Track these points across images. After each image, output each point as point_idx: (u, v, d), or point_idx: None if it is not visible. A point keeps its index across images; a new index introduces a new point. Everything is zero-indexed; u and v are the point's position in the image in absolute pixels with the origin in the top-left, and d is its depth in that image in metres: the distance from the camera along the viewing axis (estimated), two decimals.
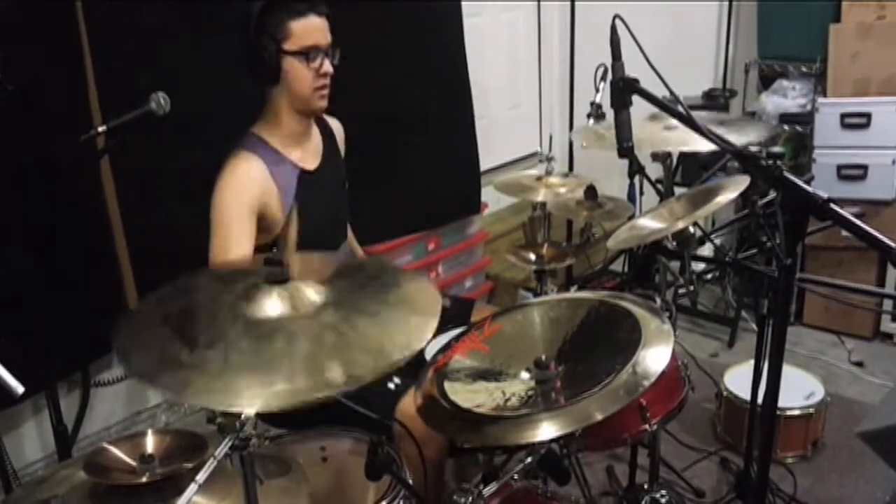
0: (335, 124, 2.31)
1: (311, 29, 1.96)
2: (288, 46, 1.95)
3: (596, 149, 2.44)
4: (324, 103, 2.08)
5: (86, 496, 1.32)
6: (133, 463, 1.33)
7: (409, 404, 1.86)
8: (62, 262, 2.47)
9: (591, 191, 2.51)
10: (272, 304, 1.27)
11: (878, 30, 3.38)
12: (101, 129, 2.02)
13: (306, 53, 1.96)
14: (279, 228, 2.00)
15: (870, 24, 3.40)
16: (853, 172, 3.47)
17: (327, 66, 2.01)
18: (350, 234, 2.45)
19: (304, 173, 2.10)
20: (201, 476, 1.13)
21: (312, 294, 1.31)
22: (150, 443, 1.38)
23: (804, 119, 3.72)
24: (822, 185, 1.23)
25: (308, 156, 2.15)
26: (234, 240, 1.90)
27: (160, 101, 2.04)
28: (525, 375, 1.61)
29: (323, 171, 2.17)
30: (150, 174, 2.66)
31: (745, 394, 2.50)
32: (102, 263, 2.69)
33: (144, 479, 1.29)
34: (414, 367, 1.98)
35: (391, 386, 1.97)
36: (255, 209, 1.95)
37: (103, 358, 2.85)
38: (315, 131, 2.19)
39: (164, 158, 2.64)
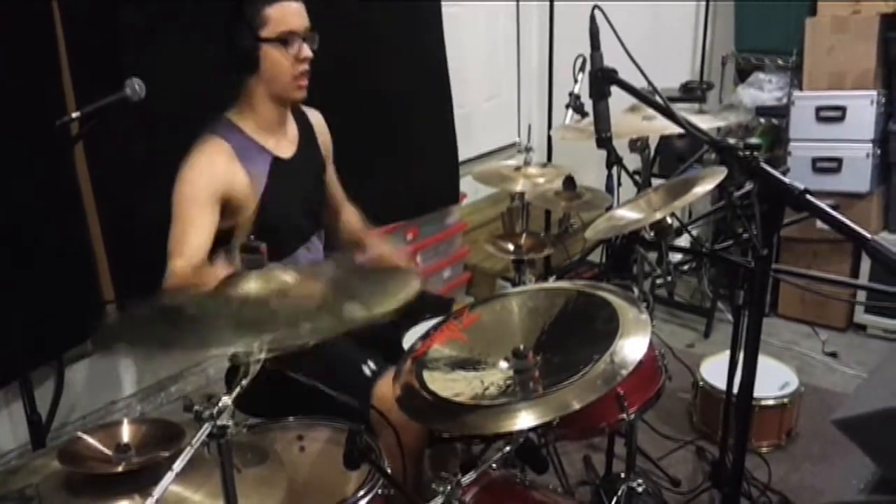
0: (315, 117, 2.29)
1: (287, 13, 1.95)
2: (265, 34, 1.94)
3: (574, 140, 2.44)
4: (302, 93, 2.06)
5: (61, 486, 1.30)
6: (109, 452, 1.32)
7: (386, 389, 1.86)
8: (36, 251, 2.44)
9: (569, 181, 2.51)
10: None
11: (853, 24, 3.41)
12: (74, 115, 2.00)
13: (284, 40, 1.95)
14: (249, 214, 1.99)
15: (845, 18, 3.43)
16: (828, 165, 3.51)
17: (306, 51, 1.99)
18: (352, 218, 2.44)
19: (277, 160, 2.08)
20: (178, 465, 1.13)
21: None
22: (126, 432, 1.37)
23: (780, 112, 3.75)
24: (797, 178, 1.24)
25: (283, 143, 2.13)
26: (192, 227, 1.88)
27: (135, 87, 2.02)
28: (503, 365, 1.61)
29: (297, 160, 2.15)
30: (125, 162, 2.63)
31: (721, 384, 2.52)
32: (77, 252, 2.65)
33: (120, 469, 1.27)
34: (389, 351, 2.00)
35: (366, 371, 1.96)
36: (218, 195, 1.93)
37: (78, 347, 2.83)
38: (291, 120, 2.18)
39: (139, 146, 2.61)
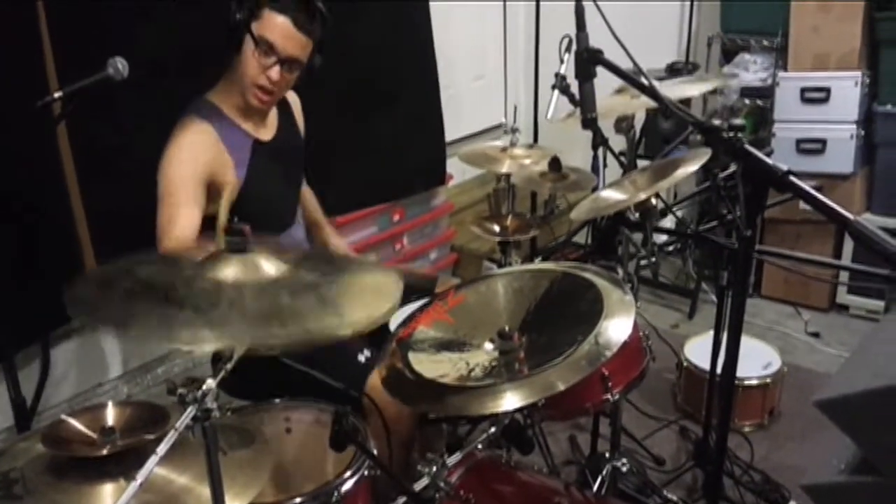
0: (291, 97, 2.27)
1: (276, 27, 1.92)
2: (253, 27, 1.92)
3: (561, 122, 2.44)
4: (259, 105, 2.02)
5: (45, 469, 1.30)
6: (93, 435, 1.31)
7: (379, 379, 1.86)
8: (19, 231, 2.42)
9: (555, 163, 2.51)
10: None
11: (838, 4, 3.40)
12: (57, 94, 1.97)
13: (258, 44, 1.92)
14: (231, 198, 1.98)
15: None
16: (812, 146, 3.52)
17: (274, 74, 1.95)
18: (314, 205, 2.42)
19: (257, 143, 2.07)
20: (162, 448, 1.12)
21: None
22: (111, 414, 1.36)
23: (765, 93, 3.75)
24: (782, 159, 1.24)
25: (263, 126, 2.12)
26: (182, 209, 1.87)
27: (118, 66, 1.99)
28: (489, 346, 1.62)
29: (277, 142, 2.14)
30: (107, 141, 2.61)
31: (705, 364, 2.54)
32: (60, 231, 2.63)
33: (105, 452, 1.27)
34: (380, 339, 1.99)
35: (361, 359, 1.96)
36: (205, 177, 1.93)
37: (62, 327, 2.81)
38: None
39: (122, 125, 2.59)
